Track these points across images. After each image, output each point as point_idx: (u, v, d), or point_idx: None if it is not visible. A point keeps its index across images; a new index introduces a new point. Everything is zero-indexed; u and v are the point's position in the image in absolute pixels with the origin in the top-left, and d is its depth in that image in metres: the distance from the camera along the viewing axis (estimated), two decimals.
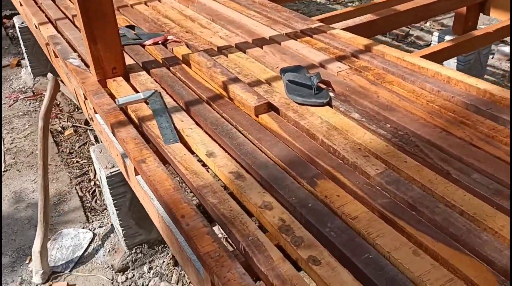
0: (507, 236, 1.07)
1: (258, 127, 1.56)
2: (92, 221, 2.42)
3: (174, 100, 1.77)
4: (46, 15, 2.80)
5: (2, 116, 3.35)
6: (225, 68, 1.94)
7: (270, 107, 1.67)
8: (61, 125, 3.28)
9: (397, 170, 1.32)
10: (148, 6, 2.89)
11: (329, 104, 1.68)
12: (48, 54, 2.69)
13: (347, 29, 2.44)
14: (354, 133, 1.49)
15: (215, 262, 1.07)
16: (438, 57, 2.28)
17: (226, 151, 1.47)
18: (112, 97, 1.82)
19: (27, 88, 3.76)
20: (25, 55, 3.74)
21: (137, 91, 1.85)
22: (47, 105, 2.03)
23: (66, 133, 3.18)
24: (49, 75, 3.46)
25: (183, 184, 2.15)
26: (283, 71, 1.87)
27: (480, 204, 1.17)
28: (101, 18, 1.78)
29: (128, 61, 2.07)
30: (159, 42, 2.27)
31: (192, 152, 1.51)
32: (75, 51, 2.27)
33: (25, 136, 3.16)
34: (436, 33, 3.24)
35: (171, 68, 2.02)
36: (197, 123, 1.62)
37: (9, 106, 3.52)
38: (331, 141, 1.45)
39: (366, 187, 1.26)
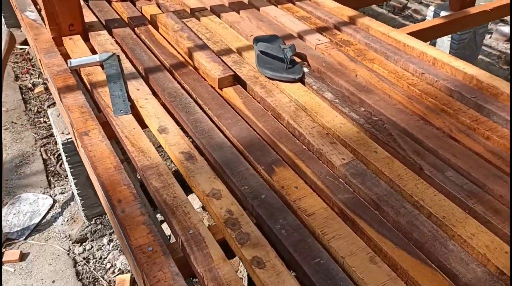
0: (475, 246, 0.95)
1: (220, 102, 1.42)
2: (54, 187, 2.29)
3: (134, 66, 1.61)
4: None
5: None
6: (194, 33, 1.76)
7: (236, 80, 1.51)
8: (31, 81, 3.10)
9: (365, 161, 1.19)
10: None
11: (301, 80, 1.53)
12: (13, 5, 2.48)
13: None
14: (324, 116, 1.35)
15: (147, 258, 0.94)
16: (428, 34, 2.12)
17: (181, 128, 1.32)
18: (66, 57, 1.65)
19: None
20: None
21: (95, 53, 1.68)
22: (1, 61, 1.87)
23: (36, 90, 3.00)
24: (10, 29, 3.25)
25: None
26: (257, 40, 1.70)
27: (451, 207, 1.05)
28: None
29: (91, 18, 1.89)
30: None
31: (145, 126, 1.37)
32: (36, 4, 2.08)
33: None
34: (432, 8, 3.04)
35: (136, 29, 1.84)
36: (154, 93, 1.47)
37: None
38: (298, 123, 1.31)
39: (328, 179, 1.13)
